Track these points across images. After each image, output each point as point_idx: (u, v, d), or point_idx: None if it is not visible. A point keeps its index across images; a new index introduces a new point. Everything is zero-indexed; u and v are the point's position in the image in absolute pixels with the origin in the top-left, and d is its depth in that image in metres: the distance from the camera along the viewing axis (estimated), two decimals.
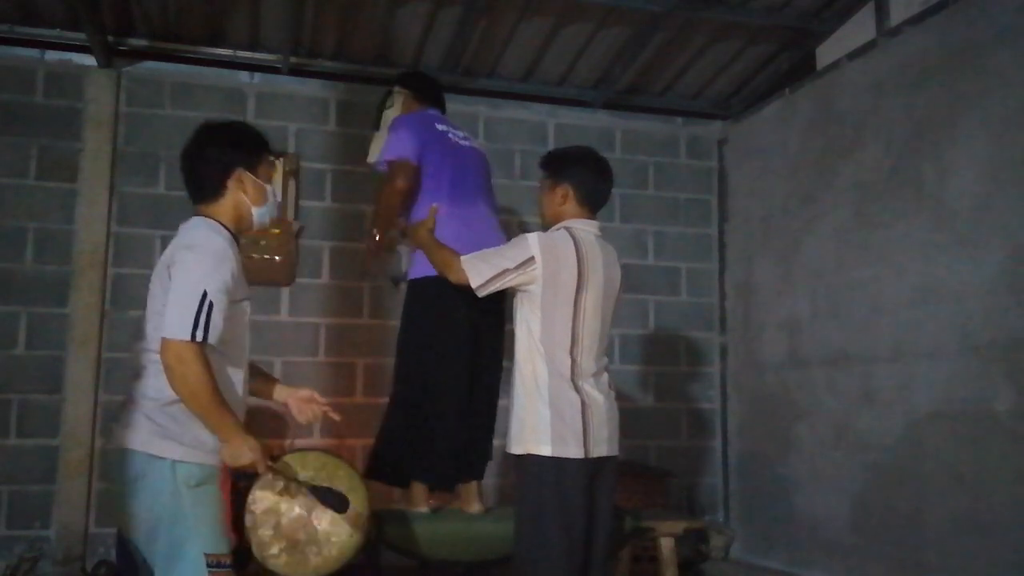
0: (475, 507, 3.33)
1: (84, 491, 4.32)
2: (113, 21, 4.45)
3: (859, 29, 4.48)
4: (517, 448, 2.75)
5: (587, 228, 2.87)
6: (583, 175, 2.90)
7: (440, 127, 3.44)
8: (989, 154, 3.61)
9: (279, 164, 4.68)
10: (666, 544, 3.52)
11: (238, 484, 2.41)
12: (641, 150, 5.43)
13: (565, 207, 2.89)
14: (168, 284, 2.16)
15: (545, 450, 2.68)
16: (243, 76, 4.82)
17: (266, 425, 4.09)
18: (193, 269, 2.15)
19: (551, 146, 5.14)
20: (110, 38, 4.52)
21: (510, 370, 2.86)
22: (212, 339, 2.12)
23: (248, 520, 2.32)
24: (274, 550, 2.37)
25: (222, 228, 2.31)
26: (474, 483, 3.37)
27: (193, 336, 2.09)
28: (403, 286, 3.43)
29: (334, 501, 2.37)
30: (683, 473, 5.20)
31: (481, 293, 2.79)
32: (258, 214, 2.38)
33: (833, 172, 4.50)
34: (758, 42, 4.88)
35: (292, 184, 4.74)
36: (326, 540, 2.42)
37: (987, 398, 3.54)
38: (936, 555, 3.72)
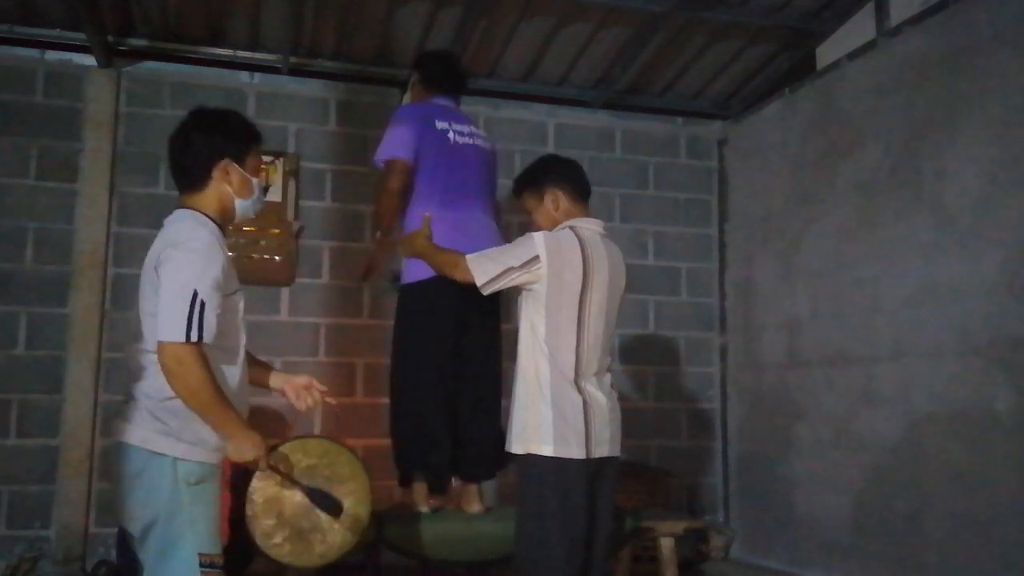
0: (475, 507, 3.33)
1: (84, 491, 4.32)
2: (113, 21, 4.45)
3: (859, 29, 4.48)
4: (518, 448, 2.75)
5: (591, 227, 2.87)
6: (559, 173, 2.93)
7: (441, 124, 3.33)
8: (989, 154, 3.61)
9: (279, 164, 4.68)
10: (666, 544, 3.52)
11: (237, 483, 2.41)
12: (641, 150, 5.43)
13: (560, 210, 2.89)
14: (158, 284, 2.14)
15: (547, 450, 2.67)
16: (243, 76, 4.82)
17: (267, 426, 4.08)
18: (182, 268, 2.12)
19: (551, 146, 5.16)
20: (110, 38, 4.52)
21: (511, 371, 2.86)
22: (207, 338, 2.10)
23: (249, 510, 2.31)
24: (278, 539, 2.35)
25: (207, 220, 2.26)
26: (474, 484, 3.36)
27: (188, 337, 2.06)
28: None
29: (328, 505, 2.36)
30: (683, 473, 5.20)
31: (486, 291, 2.79)
32: (241, 207, 2.33)
33: (833, 172, 4.50)
34: (758, 42, 4.88)
35: (292, 184, 4.74)
36: (329, 527, 2.41)
37: (987, 398, 3.54)
38: (936, 555, 3.72)
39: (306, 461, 2.39)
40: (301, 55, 4.79)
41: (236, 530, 2.68)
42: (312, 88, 4.90)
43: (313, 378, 2.55)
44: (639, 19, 4.57)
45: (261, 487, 2.33)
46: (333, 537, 2.41)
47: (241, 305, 2.31)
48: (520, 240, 2.81)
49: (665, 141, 5.49)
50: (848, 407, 4.29)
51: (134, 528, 2.18)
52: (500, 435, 3.28)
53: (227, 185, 2.29)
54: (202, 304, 2.09)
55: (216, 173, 2.28)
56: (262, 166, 2.39)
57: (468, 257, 2.81)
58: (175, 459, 2.14)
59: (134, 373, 2.22)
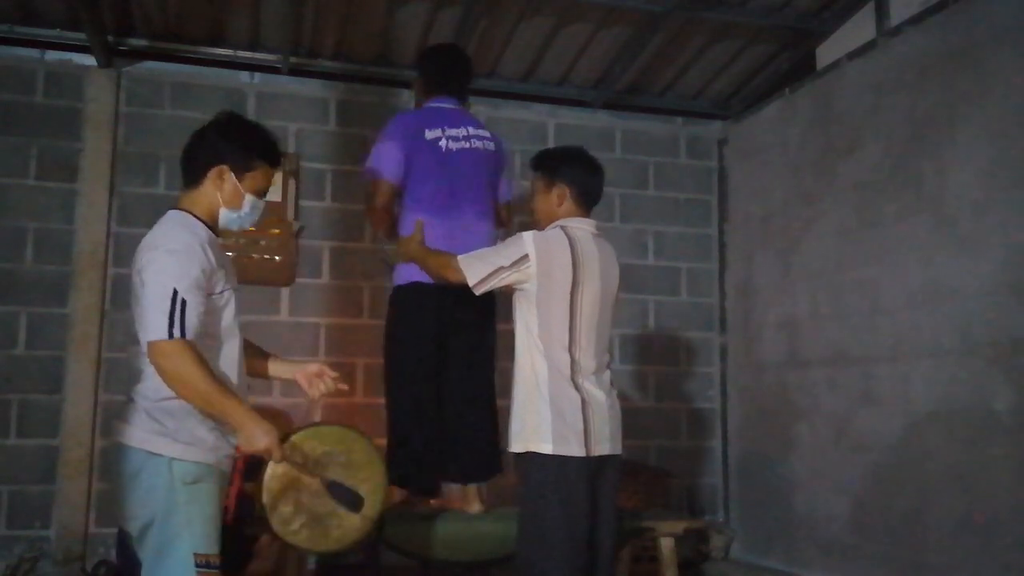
0: (475, 507, 3.33)
1: (84, 491, 4.32)
2: (113, 21, 4.46)
3: (859, 29, 4.48)
4: (517, 446, 2.75)
5: (583, 227, 2.87)
6: (579, 175, 2.91)
7: (431, 134, 3.26)
8: (989, 154, 3.61)
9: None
10: (666, 544, 3.51)
11: (244, 486, 2.40)
12: (641, 150, 5.43)
13: (561, 207, 2.89)
14: (141, 288, 2.17)
15: (546, 448, 2.68)
16: (243, 76, 4.82)
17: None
18: (161, 270, 2.14)
19: (551, 146, 5.15)
20: (110, 38, 4.52)
21: (510, 371, 2.86)
22: (190, 335, 2.11)
23: (266, 497, 2.30)
24: (295, 525, 2.35)
25: (194, 221, 2.27)
26: (474, 484, 3.36)
27: (171, 334, 2.08)
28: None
29: (348, 500, 2.37)
30: (683, 473, 5.20)
31: (478, 291, 2.80)
32: (225, 217, 2.33)
33: (833, 172, 4.50)
34: (758, 42, 4.88)
35: (292, 184, 4.74)
36: (346, 513, 2.41)
37: (987, 398, 3.54)
38: (936, 555, 3.72)
39: (321, 448, 2.39)
40: (301, 55, 4.79)
41: (235, 530, 2.68)
42: (312, 88, 4.90)
43: (324, 365, 2.55)
44: (639, 19, 4.57)
45: (278, 474, 2.32)
46: (350, 521, 2.41)
47: (232, 304, 2.30)
48: (510, 240, 2.83)
49: (665, 141, 5.49)
50: (848, 407, 4.29)
51: (132, 528, 2.20)
52: (494, 436, 3.28)
53: (218, 191, 2.30)
54: (183, 302, 2.11)
55: (211, 175, 2.29)
56: (264, 189, 2.36)
57: (459, 258, 2.82)
58: (171, 459, 2.16)
59: (133, 375, 2.24)
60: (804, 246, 4.69)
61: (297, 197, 4.77)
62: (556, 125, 5.28)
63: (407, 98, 4.69)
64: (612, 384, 2.88)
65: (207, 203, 2.31)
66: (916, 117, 3.98)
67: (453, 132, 3.31)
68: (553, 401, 2.70)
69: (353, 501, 2.37)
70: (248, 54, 4.72)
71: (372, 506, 2.43)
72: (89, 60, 4.55)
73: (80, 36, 4.43)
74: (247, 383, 2.40)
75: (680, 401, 5.35)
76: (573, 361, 2.74)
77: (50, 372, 4.36)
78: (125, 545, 3.09)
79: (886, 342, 4.07)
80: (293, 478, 2.32)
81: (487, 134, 3.43)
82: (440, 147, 3.26)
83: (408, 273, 3.19)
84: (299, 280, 4.74)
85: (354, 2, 4.38)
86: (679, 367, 5.37)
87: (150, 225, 2.32)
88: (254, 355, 2.54)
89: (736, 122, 5.42)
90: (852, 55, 4.44)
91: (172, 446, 2.16)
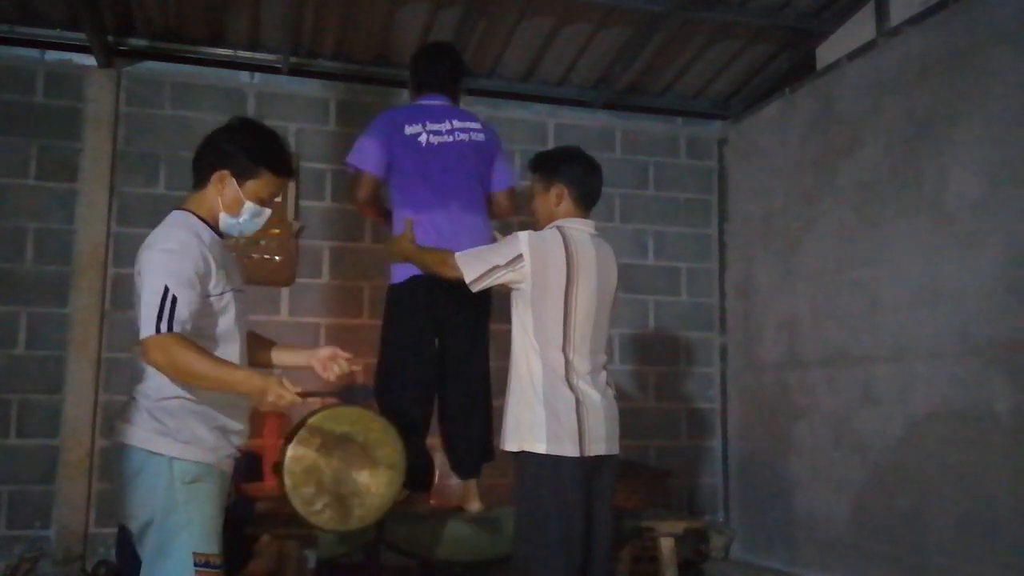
0: (475, 506, 3.33)
1: (84, 491, 4.32)
2: (113, 21, 4.46)
3: (859, 29, 4.48)
4: (513, 445, 2.77)
5: (580, 227, 2.88)
6: (577, 174, 2.92)
7: (411, 129, 3.26)
8: (989, 154, 3.61)
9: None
10: (666, 544, 3.51)
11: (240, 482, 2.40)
12: (641, 150, 5.43)
13: (560, 207, 2.90)
14: (139, 288, 2.18)
15: (540, 448, 2.69)
16: (243, 76, 4.82)
17: (268, 425, 4.09)
18: (154, 269, 2.15)
19: (551, 146, 5.15)
20: (110, 38, 4.52)
21: (505, 369, 2.87)
22: (178, 328, 2.11)
23: (288, 480, 2.34)
24: (318, 506, 2.39)
25: (196, 221, 2.28)
26: (472, 481, 3.36)
27: (158, 329, 2.09)
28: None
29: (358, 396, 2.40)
30: (683, 473, 5.20)
31: (474, 288, 2.82)
32: (225, 222, 2.33)
33: (833, 172, 4.50)
34: (758, 42, 4.88)
35: (292, 184, 4.74)
36: (367, 491, 2.46)
37: (987, 398, 3.54)
38: (936, 555, 3.72)
39: (339, 429, 2.43)
40: (301, 55, 4.79)
41: (235, 530, 2.68)
42: (312, 88, 4.90)
43: (337, 348, 2.56)
44: (639, 19, 4.57)
45: (302, 455, 2.35)
46: (371, 500, 2.47)
47: (232, 307, 2.30)
48: (507, 239, 2.84)
49: (665, 141, 5.49)
50: (848, 407, 4.29)
51: (133, 527, 2.21)
52: (487, 431, 3.29)
53: (219, 196, 2.30)
54: (173, 299, 2.11)
55: (214, 179, 2.30)
56: (268, 198, 2.35)
57: (456, 255, 2.83)
58: (171, 459, 2.17)
59: (135, 375, 2.25)
60: (804, 246, 4.69)
61: (297, 197, 4.77)
62: (556, 125, 5.28)
63: (407, 98, 4.68)
64: (609, 384, 2.88)
65: (209, 206, 2.31)
66: (916, 117, 3.98)
67: (435, 127, 3.30)
68: (547, 401, 2.71)
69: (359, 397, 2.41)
70: (248, 54, 4.72)
71: (392, 484, 2.48)
72: (89, 60, 4.55)
73: (80, 36, 4.43)
74: None
75: (680, 401, 5.35)
76: (567, 361, 2.75)
77: (50, 372, 4.36)
78: (125, 544, 3.10)
79: (886, 342, 4.07)
80: (314, 460, 2.36)
81: (476, 125, 3.39)
82: (420, 142, 3.26)
83: (402, 271, 3.19)
84: (299, 280, 4.74)
85: (354, 2, 4.38)
86: (679, 367, 5.37)
87: (150, 225, 2.33)
88: (260, 346, 2.56)
89: (736, 122, 5.42)
90: (852, 55, 4.44)
91: (172, 445, 2.17)
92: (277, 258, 4.66)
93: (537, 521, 2.68)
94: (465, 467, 3.34)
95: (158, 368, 2.13)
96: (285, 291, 4.71)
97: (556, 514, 2.67)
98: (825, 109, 4.61)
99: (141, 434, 2.18)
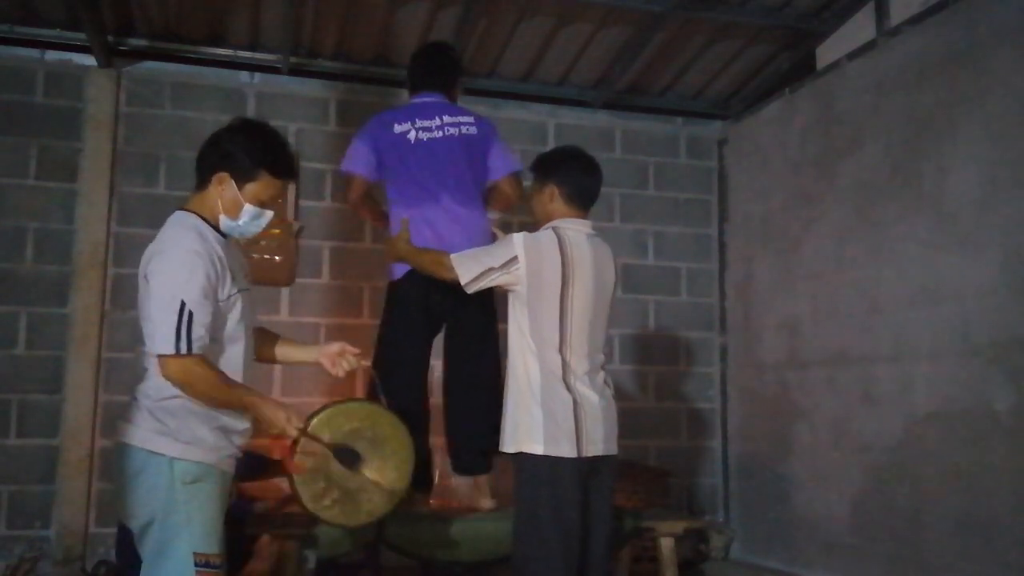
0: (486, 503, 3.29)
1: (84, 491, 4.32)
2: (113, 21, 4.46)
3: (859, 29, 4.48)
4: (510, 447, 2.77)
5: (576, 227, 2.87)
6: (568, 174, 2.92)
7: (400, 127, 3.26)
8: (989, 154, 3.61)
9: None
10: (666, 544, 3.50)
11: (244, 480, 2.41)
12: (641, 150, 5.43)
13: (553, 206, 2.90)
14: (148, 292, 2.18)
15: (537, 449, 2.69)
16: (243, 76, 4.82)
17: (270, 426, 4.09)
18: (169, 280, 2.15)
19: (551, 146, 5.15)
20: (110, 38, 4.52)
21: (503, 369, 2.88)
22: (196, 348, 2.13)
23: (297, 479, 2.35)
24: (327, 501, 2.40)
25: (200, 222, 2.28)
26: (483, 478, 3.31)
27: (178, 349, 2.11)
28: None
29: (348, 458, 2.41)
30: (683, 473, 5.20)
31: (469, 290, 2.82)
32: (224, 224, 2.32)
33: (833, 172, 4.50)
34: (758, 42, 4.88)
35: (292, 184, 4.74)
36: (376, 487, 2.47)
37: (987, 398, 3.54)
38: (936, 555, 3.72)
39: (348, 425, 2.44)
40: (301, 55, 4.79)
41: (235, 530, 2.68)
42: (312, 88, 4.90)
43: (345, 344, 2.59)
44: (639, 19, 4.57)
45: (309, 452, 2.37)
46: (380, 496, 2.47)
47: (238, 307, 2.30)
48: (502, 240, 2.86)
49: (665, 141, 5.49)
50: (848, 407, 4.29)
51: (134, 526, 2.21)
52: (493, 431, 3.28)
53: (219, 197, 2.30)
54: (190, 315, 2.12)
55: (214, 180, 2.29)
56: (268, 200, 2.34)
57: (453, 256, 2.84)
58: (172, 459, 2.17)
59: (139, 374, 2.25)
60: (804, 246, 4.69)
61: (297, 197, 4.77)
62: (556, 125, 5.29)
63: (407, 98, 4.68)
64: (607, 384, 2.88)
65: (211, 207, 2.31)
66: (916, 117, 3.98)
67: (424, 123, 3.30)
68: (544, 402, 2.71)
69: (349, 460, 2.41)
70: (248, 54, 4.72)
71: (400, 479, 2.50)
72: (89, 60, 4.55)
73: (80, 36, 4.43)
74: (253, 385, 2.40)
75: (680, 401, 5.35)
76: (564, 362, 2.75)
77: (50, 372, 4.36)
78: (125, 544, 3.09)
79: (886, 342, 4.07)
80: (324, 456, 2.37)
81: (467, 119, 3.36)
82: (408, 139, 3.27)
83: (401, 267, 3.20)
84: (299, 280, 4.74)
85: (354, 2, 4.39)
86: (679, 367, 5.37)
87: (150, 225, 2.33)
88: (266, 341, 2.56)
89: (736, 122, 5.42)
90: (852, 55, 4.44)
91: (173, 445, 2.18)
92: (277, 258, 4.66)
93: (535, 522, 2.69)
94: (467, 466, 3.32)
95: (174, 384, 2.15)
96: (285, 291, 4.71)
97: (554, 515, 2.67)
98: (825, 109, 4.61)
99: (142, 434, 2.18)
